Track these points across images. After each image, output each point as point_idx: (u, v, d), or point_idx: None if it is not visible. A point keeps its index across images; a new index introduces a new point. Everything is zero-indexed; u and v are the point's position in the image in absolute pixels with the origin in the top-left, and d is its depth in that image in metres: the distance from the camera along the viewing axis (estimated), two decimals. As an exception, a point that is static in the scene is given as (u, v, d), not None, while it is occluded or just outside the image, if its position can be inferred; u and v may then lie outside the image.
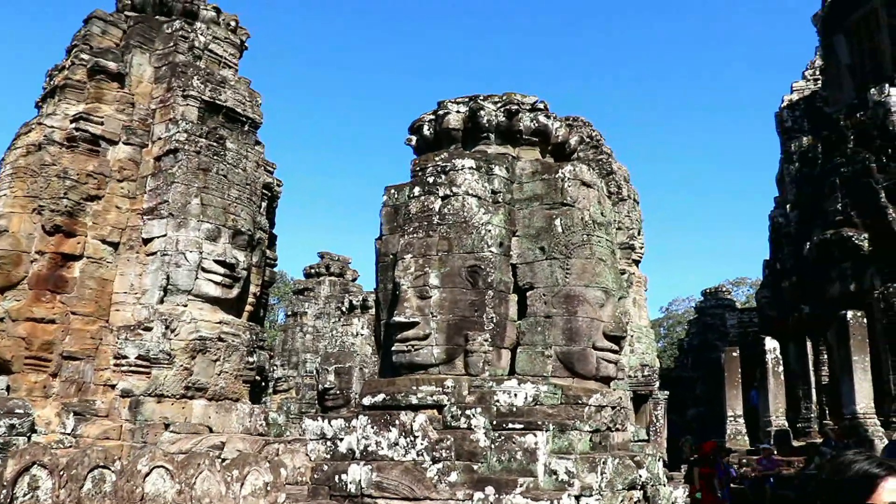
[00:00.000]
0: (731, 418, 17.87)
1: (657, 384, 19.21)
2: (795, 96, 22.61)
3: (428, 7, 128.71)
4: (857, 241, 16.24)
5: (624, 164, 18.54)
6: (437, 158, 7.88)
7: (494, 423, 7.08)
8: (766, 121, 47.72)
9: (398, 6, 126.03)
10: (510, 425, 7.02)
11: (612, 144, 19.96)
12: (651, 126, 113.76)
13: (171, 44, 13.13)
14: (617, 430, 7.77)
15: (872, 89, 17.03)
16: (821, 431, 16.64)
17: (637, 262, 18.29)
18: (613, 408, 7.59)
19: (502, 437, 6.98)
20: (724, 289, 32.35)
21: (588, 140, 17.57)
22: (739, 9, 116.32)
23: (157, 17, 13.51)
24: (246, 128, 13.48)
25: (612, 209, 17.67)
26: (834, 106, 19.29)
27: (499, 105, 8.23)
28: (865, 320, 15.00)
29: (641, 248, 18.34)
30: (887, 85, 16.66)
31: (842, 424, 14.72)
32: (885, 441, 13.43)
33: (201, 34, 13.40)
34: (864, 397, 14.29)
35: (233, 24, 14.44)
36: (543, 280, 7.58)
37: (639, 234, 18.28)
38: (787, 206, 20.02)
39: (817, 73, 22.51)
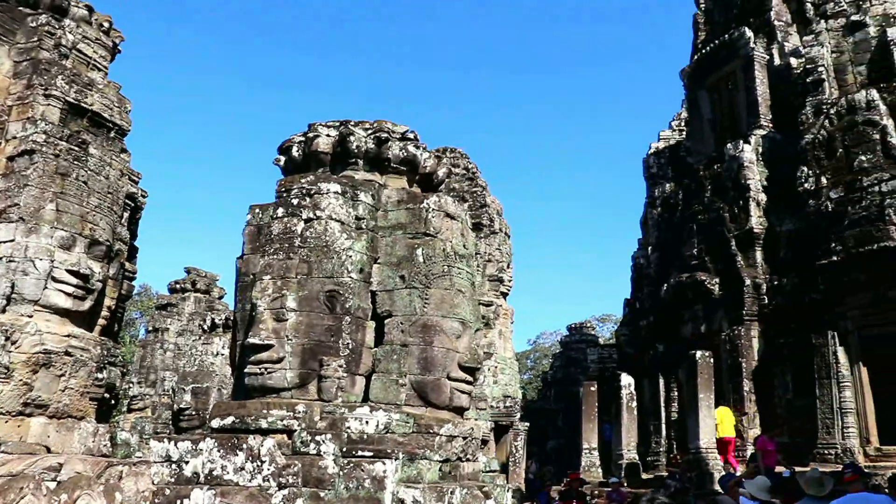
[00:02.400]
0: (587, 450, 18.39)
1: (518, 415, 19.60)
2: (662, 144, 23.78)
3: (308, 28, 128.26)
4: (708, 286, 17.16)
5: (498, 198, 18.96)
6: (303, 181, 7.83)
7: (344, 449, 7.03)
8: (637, 166, 50.02)
9: (274, 25, 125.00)
10: (360, 453, 6.99)
11: (488, 178, 20.42)
12: (527, 163, 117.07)
13: (36, 39, 12.47)
14: (468, 460, 7.86)
15: (729, 144, 18.13)
16: (668, 465, 17.36)
17: (505, 295, 18.69)
18: (465, 438, 7.68)
19: (351, 465, 6.94)
20: (589, 324, 33.49)
21: (464, 172, 17.89)
22: (619, 57, 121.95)
23: (21, 7, 12.77)
24: (112, 134, 12.95)
25: (480, 241, 18.06)
26: (695, 156, 20.39)
27: (369, 132, 8.27)
28: (712, 360, 15.81)
29: (510, 280, 18.76)
30: (741, 141, 17.79)
31: (685, 458, 15.41)
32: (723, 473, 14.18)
33: (70, 32, 12.81)
34: (707, 433, 14.99)
35: (106, 25, 13.87)
36: (402, 308, 7.63)
37: (508, 266, 18.69)
38: (649, 249, 20.96)
39: (683, 124, 23.76)
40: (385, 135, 8.22)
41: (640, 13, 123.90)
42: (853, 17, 17.28)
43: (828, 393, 14.38)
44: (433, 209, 7.85)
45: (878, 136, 14.93)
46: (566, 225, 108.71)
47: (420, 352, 7.54)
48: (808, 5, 19.28)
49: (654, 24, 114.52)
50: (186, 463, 7.32)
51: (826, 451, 14.06)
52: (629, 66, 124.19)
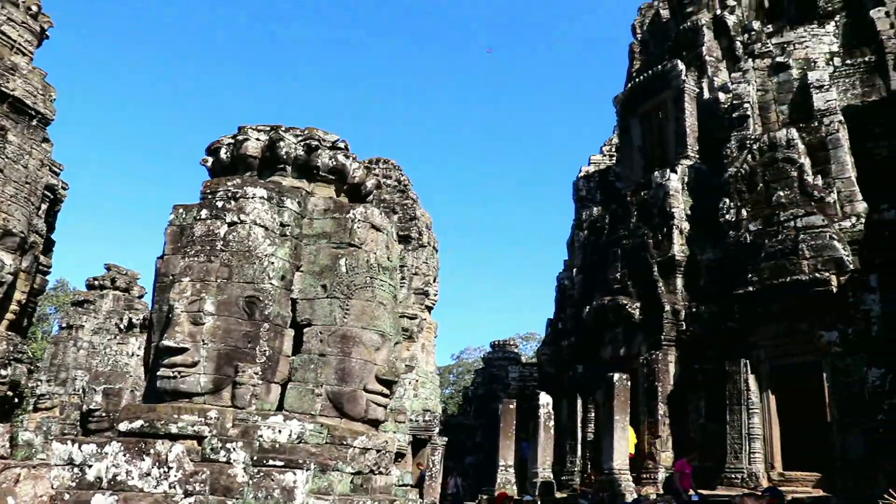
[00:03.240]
0: (503, 467, 18.49)
1: (437, 429, 19.60)
2: (592, 168, 24.25)
3: (245, 29, 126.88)
4: (630, 309, 17.52)
5: (427, 212, 19.00)
6: (229, 183, 7.71)
7: (255, 458, 6.91)
8: (567, 188, 50.81)
9: (210, 25, 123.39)
10: (271, 462, 6.88)
11: (419, 191, 20.52)
12: (459, 178, 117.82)
13: (-42, 20, 12.04)
14: (380, 473, 7.82)
15: (657, 172, 18.62)
16: (582, 484, 17.60)
17: (430, 309, 18.70)
18: (379, 451, 7.64)
19: (261, 474, 6.82)
20: (512, 342, 33.74)
21: (396, 184, 17.89)
22: (554, 81, 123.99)
23: (-57, -12, 12.34)
24: (34, 122, 12.53)
25: (408, 254, 18.08)
26: (624, 182, 20.87)
27: (300, 139, 8.21)
28: (629, 383, 16.14)
29: (436, 294, 18.79)
30: (668, 170, 18.29)
31: (598, 479, 15.67)
32: (635, 495, 14.48)
33: (-5, 15, 12.39)
34: (620, 454, 15.29)
35: (34, 8, 13.44)
36: (322, 318, 7.57)
37: (434, 280, 18.72)
38: (574, 270, 21.29)
39: (613, 149, 24.29)
40: (315, 142, 8.16)
41: (581, 38, 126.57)
42: (778, 59, 17.99)
43: (738, 419, 14.82)
44: (359, 220, 7.82)
45: (795, 174, 15.53)
46: (496, 242, 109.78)
47: (338, 362, 7.49)
48: (738, 44, 20.01)
49: (592, 51, 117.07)
50: (90, 466, 7.06)
51: (733, 475, 14.48)
52: (564, 89, 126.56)
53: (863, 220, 14.49)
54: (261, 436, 7.05)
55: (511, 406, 18.70)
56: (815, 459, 13.82)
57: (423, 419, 18.25)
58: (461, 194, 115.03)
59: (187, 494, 6.71)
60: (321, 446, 7.10)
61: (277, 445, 7.01)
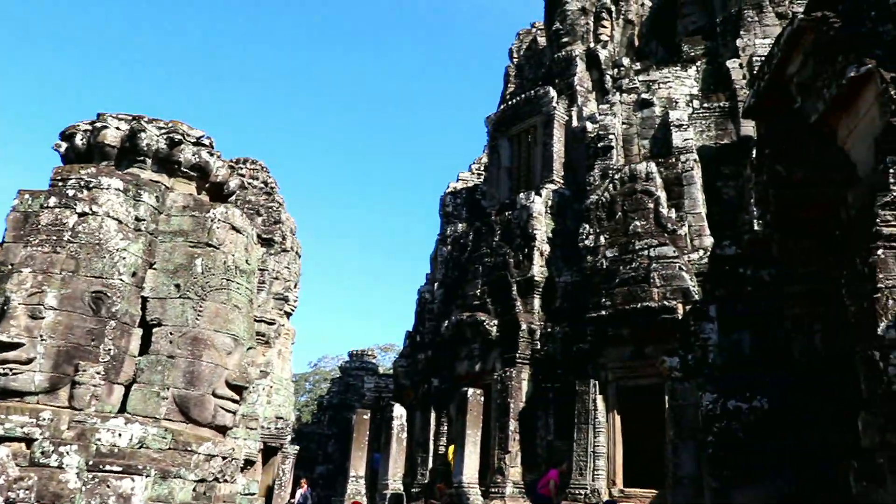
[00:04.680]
0: (354, 478, 18.36)
1: (289, 438, 19.26)
2: (460, 185, 24.59)
3: (105, 22, 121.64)
4: (487, 326, 17.83)
5: (293, 216, 18.71)
6: (83, 172, 7.32)
7: (91, 463, 6.56)
8: (435, 203, 51.51)
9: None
10: (108, 467, 6.55)
11: (285, 194, 20.19)
12: (324, 184, 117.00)
13: None
14: (225, 481, 7.59)
15: (522, 194, 19.12)
16: (432, 497, 17.73)
17: (289, 315, 18.39)
18: (224, 458, 7.42)
19: (97, 480, 6.48)
20: (370, 352, 33.63)
21: (262, 186, 17.52)
22: (429, 95, 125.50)
23: None
24: None
25: (270, 258, 17.74)
26: (490, 201, 21.29)
27: (163, 131, 7.90)
28: (483, 399, 16.42)
29: (296, 300, 18.50)
30: (533, 193, 18.83)
31: (448, 492, 15.84)
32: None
33: None
34: (470, 468, 15.52)
35: None
36: (173, 318, 7.30)
37: (295, 286, 18.43)
38: (436, 284, 21.51)
39: (482, 168, 24.74)
40: (179, 136, 7.88)
41: (460, 55, 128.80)
42: (643, 96, 18.92)
43: (584, 437, 15.34)
44: (219, 220, 7.61)
45: (652, 206, 16.34)
46: (359, 251, 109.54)
47: (187, 365, 7.22)
48: (608, 77, 20.93)
49: (469, 68, 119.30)
50: None
51: (577, 492, 14.96)
52: (439, 105, 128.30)
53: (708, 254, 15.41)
54: (99, 439, 6.70)
55: (365, 417, 18.62)
56: (654, 477, 14.48)
57: (276, 426, 17.88)
58: (326, 199, 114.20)
59: (9, 502, 6.27)
60: (164, 452, 6.83)
61: (116, 450, 6.69)
